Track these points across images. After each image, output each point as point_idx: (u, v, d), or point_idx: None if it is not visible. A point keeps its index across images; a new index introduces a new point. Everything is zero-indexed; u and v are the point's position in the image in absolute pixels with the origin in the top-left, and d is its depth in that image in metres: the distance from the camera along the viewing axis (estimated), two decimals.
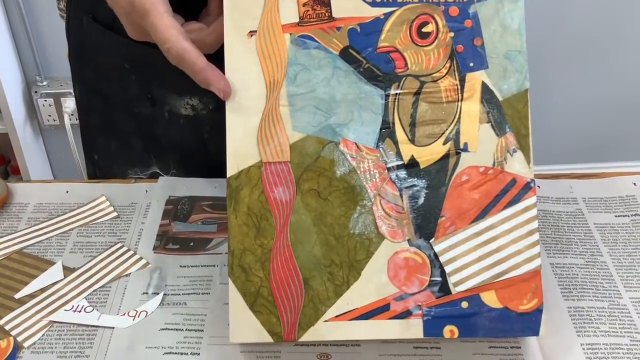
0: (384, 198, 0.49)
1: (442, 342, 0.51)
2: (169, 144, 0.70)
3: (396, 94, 0.49)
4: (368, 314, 0.48)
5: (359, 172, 0.49)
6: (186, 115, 0.67)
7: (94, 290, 0.55)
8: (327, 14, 0.50)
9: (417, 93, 0.50)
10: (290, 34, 0.49)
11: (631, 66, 1.68)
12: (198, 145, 0.69)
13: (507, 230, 0.49)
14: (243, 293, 0.48)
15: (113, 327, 0.52)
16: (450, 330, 0.48)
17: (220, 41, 0.51)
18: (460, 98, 0.50)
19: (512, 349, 0.51)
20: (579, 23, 1.60)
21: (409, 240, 0.49)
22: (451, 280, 0.49)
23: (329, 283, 0.49)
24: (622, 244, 0.59)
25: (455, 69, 0.50)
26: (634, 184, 0.65)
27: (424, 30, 0.50)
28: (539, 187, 0.64)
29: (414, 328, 0.48)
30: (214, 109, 0.66)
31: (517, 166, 0.49)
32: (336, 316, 0.48)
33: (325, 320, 0.48)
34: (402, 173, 0.49)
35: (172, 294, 0.55)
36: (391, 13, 0.50)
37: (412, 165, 0.49)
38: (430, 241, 0.49)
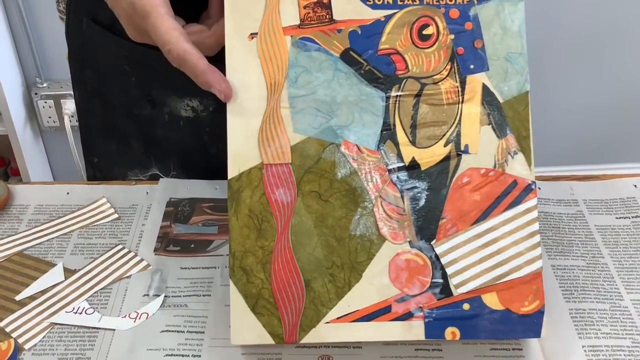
0: (385, 200, 0.49)
1: (444, 344, 0.51)
2: (169, 146, 0.70)
3: (397, 96, 0.50)
4: (369, 316, 0.48)
5: (360, 174, 0.49)
6: (186, 117, 0.67)
7: (94, 292, 0.55)
8: (327, 17, 0.50)
9: (418, 95, 0.50)
10: (291, 36, 0.49)
11: (631, 68, 1.68)
12: (198, 147, 0.69)
13: (509, 232, 0.49)
14: (244, 295, 0.48)
15: (114, 329, 0.52)
16: (451, 332, 0.48)
17: (221, 43, 0.51)
18: (461, 100, 0.50)
19: (514, 350, 0.51)
20: (578, 24, 1.60)
21: (410, 242, 0.49)
22: (452, 282, 0.49)
23: (330, 285, 0.49)
24: (623, 246, 0.59)
25: (456, 71, 0.50)
26: (635, 185, 0.65)
27: (424, 32, 0.50)
28: (539, 189, 0.64)
29: (415, 330, 0.48)
30: (214, 110, 0.66)
31: (518, 168, 0.49)
32: (337, 318, 0.48)
33: (327, 322, 0.48)
34: (403, 175, 0.49)
35: (173, 296, 0.55)
36: (392, 15, 0.50)
37: (413, 167, 0.49)
38: (432, 243, 0.49)
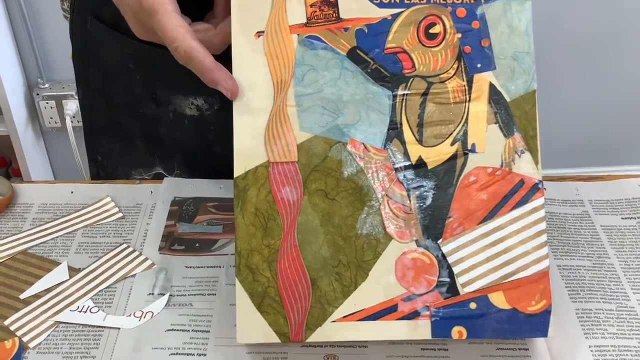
0: (391, 198, 0.49)
1: (450, 344, 0.51)
2: (173, 145, 0.70)
3: (404, 94, 0.49)
4: (376, 315, 0.48)
5: (366, 172, 0.49)
6: (191, 116, 0.67)
7: (99, 291, 0.55)
8: (334, 15, 0.50)
9: (425, 94, 0.50)
10: (298, 34, 0.49)
11: (637, 69, 1.68)
12: (202, 146, 0.69)
13: (515, 231, 0.49)
14: (250, 293, 0.48)
15: (119, 328, 0.52)
16: (458, 331, 0.48)
17: (227, 42, 0.51)
18: (467, 99, 0.50)
19: (520, 350, 0.50)
20: (584, 24, 1.60)
21: (416, 241, 0.49)
22: (459, 281, 0.48)
23: (337, 283, 0.48)
24: (629, 246, 0.59)
25: (463, 70, 0.50)
26: None
27: (431, 31, 0.50)
28: (545, 189, 0.64)
29: (422, 329, 0.48)
30: (219, 109, 0.66)
31: (525, 167, 0.49)
32: (344, 317, 0.48)
33: (333, 321, 0.48)
34: (410, 173, 0.49)
35: (177, 295, 0.55)
36: (398, 14, 0.50)
37: (419, 166, 0.49)
38: (438, 242, 0.49)
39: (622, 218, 0.62)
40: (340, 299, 0.48)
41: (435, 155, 0.49)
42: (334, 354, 0.50)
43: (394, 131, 0.49)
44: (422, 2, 0.50)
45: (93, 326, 0.52)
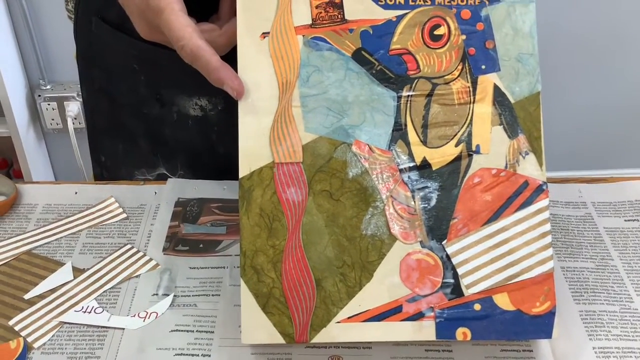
0: (396, 199, 0.49)
1: (454, 345, 0.51)
2: (177, 145, 0.70)
3: (408, 95, 0.50)
4: (380, 316, 0.48)
5: (371, 173, 0.49)
6: (195, 116, 0.67)
7: (103, 291, 0.55)
8: (339, 16, 0.50)
9: (429, 95, 0.50)
10: (303, 35, 0.49)
11: (639, 70, 1.68)
12: (206, 146, 0.69)
13: (520, 232, 0.49)
14: (255, 294, 0.48)
15: (123, 328, 0.52)
16: (462, 333, 0.48)
17: (232, 43, 0.51)
18: (472, 100, 0.50)
19: (524, 352, 0.50)
20: (587, 25, 1.60)
21: (421, 242, 0.49)
22: (464, 282, 0.49)
23: (341, 284, 0.49)
24: (632, 248, 0.59)
25: (467, 71, 0.50)
26: None
27: (436, 32, 0.50)
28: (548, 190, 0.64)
29: (426, 330, 0.48)
30: (223, 109, 0.66)
31: (530, 168, 0.49)
32: (348, 317, 0.48)
33: (338, 322, 0.48)
34: (414, 174, 0.49)
35: (182, 296, 0.55)
36: (403, 15, 0.50)
37: (424, 167, 0.49)
38: (443, 243, 0.49)
39: (625, 220, 0.62)
40: (345, 299, 0.48)
41: (440, 156, 0.49)
42: (339, 354, 0.50)
43: (399, 132, 0.49)
44: (426, 3, 0.50)
45: (97, 326, 0.52)
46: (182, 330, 0.52)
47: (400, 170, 0.49)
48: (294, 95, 0.49)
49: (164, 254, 0.58)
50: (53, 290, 0.55)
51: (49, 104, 1.64)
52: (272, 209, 0.49)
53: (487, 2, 0.50)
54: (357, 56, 0.50)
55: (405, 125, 0.50)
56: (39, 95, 1.63)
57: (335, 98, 0.49)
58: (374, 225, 0.49)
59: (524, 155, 0.50)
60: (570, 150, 1.77)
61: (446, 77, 0.50)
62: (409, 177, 0.49)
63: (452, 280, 0.49)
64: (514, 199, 0.49)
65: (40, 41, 1.58)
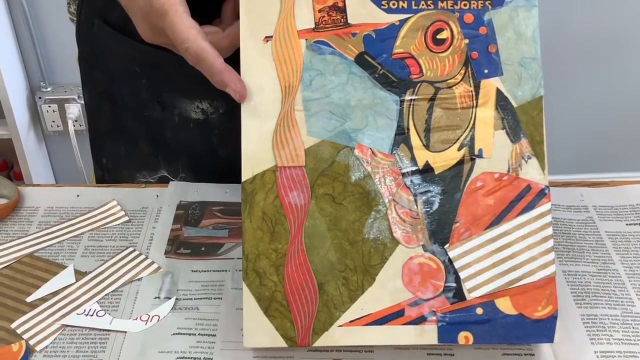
0: (398, 203, 0.49)
1: (456, 349, 0.51)
2: (178, 148, 0.70)
3: (411, 99, 0.50)
4: (382, 320, 0.48)
5: (373, 177, 0.49)
6: (196, 119, 0.67)
7: (105, 295, 0.55)
8: (342, 20, 0.50)
9: (432, 99, 0.50)
10: (306, 39, 0.50)
11: None
12: (207, 150, 0.69)
13: (522, 236, 0.49)
14: (257, 297, 0.48)
15: (125, 332, 0.52)
16: (464, 337, 0.48)
17: (235, 46, 0.51)
18: (475, 104, 0.50)
19: (526, 356, 0.50)
20: (586, 27, 1.60)
21: (423, 246, 0.49)
22: (466, 286, 0.49)
23: (344, 288, 0.49)
24: (634, 252, 0.59)
25: (470, 75, 0.50)
26: None
27: (438, 36, 0.50)
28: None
29: (428, 334, 0.48)
30: (224, 113, 0.66)
31: (532, 173, 0.49)
32: (350, 321, 0.48)
33: (340, 325, 0.48)
34: (417, 178, 0.49)
35: (184, 299, 0.55)
36: (406, 20, 0.50)
37: (426, 171, 0.49)
38: (445, 247, 0.49)
39: (627, 224, 0.62)
40: (347, 303, 0.48)
41: (443, 160, 0.49)
42: (341, 358, 0.50)
43: (401, 136, 0.50)
44: (429, 7, 0.50)
45: (99, 330, 0.52)
46: (184, 334, 0.52)
47: (403, 174, 0.49)
48: (296, 99, 0.49)
49: (166, 257, 0.58)
50: (55, 293, 0.55)
51: (49, 106, 1.64)
52: (275, 213, 0.49)
53: (490, 7, 0.50)
54: (360, 60, 0.50)
55: (408, 129, 0.50)
56: (40, 98, 1.64)
57: (338, 102, 0.49)
58: (376, 229, 0.49)
59: (526, 159, 0.50)
60: (572, 154, 1.77)
61: (449, 81, 0.50)
62: (411, 181, 0.49)
63: (454, 284, 0.49)
64: (516, 203, 0.49)
65: (41, 43, 1.58)
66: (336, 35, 0.50)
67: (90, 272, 0.57)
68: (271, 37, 0.49)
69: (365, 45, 0.50)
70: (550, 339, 0.49)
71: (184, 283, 0.56)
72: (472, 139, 0.50)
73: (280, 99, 0.49)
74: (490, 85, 0.50)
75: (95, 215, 0.62)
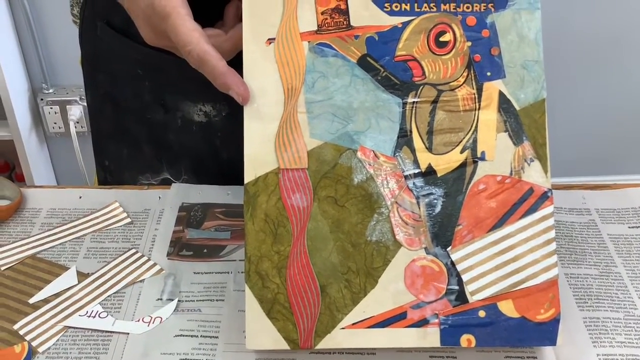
0: (401, 206, 0.49)
1: (458, 352, 0.51)
2: (181, 150, 0.70)
3: (413, 102, 0.50)
4: (385, 322, 0.48)
5: (376, 179, 0.49)
6: (199, 122, 0.67)
7: (108, 296, 0.55)
8: (345, 23, 0.50)
9: (435, 101, 0.50)
10: (309, 41, 0.50)
11: None
12: (210, 152, 0.69)
13: (524, 239, 0.49)
14: (259, 299, 0.48)
15: (128, 333, 0.52)
16: (467, 339, 0.48)
17: (237, 48, 0.51)
18: (477, 107, 0.50)
19: (529, 359, 0.50)
20: (589, 29, 1.60)
21: (425, 248, 0.49)
22: (468, 289, 0.49)
23: (346, 290, 0.49)
24: (636, 255, 0.59)
25: (473, 78, 0.50)
26: None
27: (441, 39, 0.50)
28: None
29: (430, 337, 0.48)
30: (227, 115, 0.66)
31: (535, 175, 0.49)
32: (353, 324, 0.48)
33: (342, 328, 0.48)
34: (419, 181, 0.49)
35: (186, 300, 0.55)
36: (409, 22, 0.50)
37: (429, 173, 0.49)
38: (447, 249, 0.49)
39: (629, 227, 0.62)
40: (350, 305, 0.48)
41: (445, 162, 0.50)
42: None
43: (404, 139, 0.50)
44: (432, 10, 0.50)
45: (102, 331, 0.52)
46: (186, 335, 0.52)
47: (405, 177, 0.49)
48: (299, 101, 0.49)
49: (168, 258, 0.58)
50: (57, 295, 0.55)
51: (51, 108, 1.64)
52: (277, 215, 0.49)
53: (492, 9, 0.50)
54: (363, 62, 0.50)
55: (411, 131, 0.50)
56: (42, 99, 1.64)
57: (340, 104, 0.49)
58: (378, 232, 0.49)
59: (529, 162, 0.50)
60: (574, 156, 1.77)
61: (451, 83, 0.50)
62: (414, 183, 0.49)
63: (456, 287, 0.49)
64: (518, 205, 0.49)
65: (43, 45, 1.59)
66: (339, 37, 0.50)
67: (92, 273, 0.57)
68: (274, 39, 0.49)
69: (368, 48, 0.50)
70: (552, 342, 0.49)
71: (186, 285, 0.56)
72: (475, 141, 0.50)
73: (283, 101, 0.49)
74: (492, 88, 0.50)
75: (97, 217, 0.62)
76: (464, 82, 0.50)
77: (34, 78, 1.63)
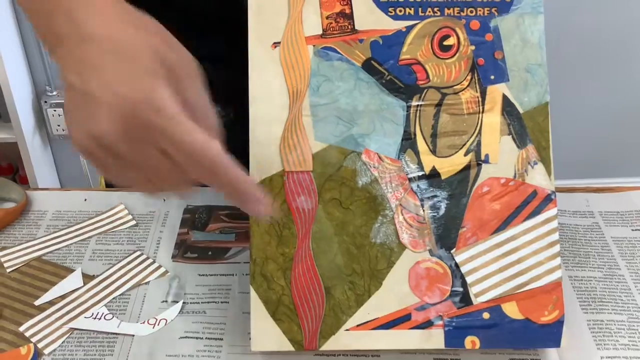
0: (405, 208, 0.50)
1: (462, 354, 0.51)
2: None
3: (418, 105, 0.50)
4: (389, 324, 0.49)
5: (380, 182, 0.50)
6: None
7: (113, 298, 0.55)
8: (350, 27, 0.50)
9: (439, 105, 0.50)
10: (314, 45, 0.50)
11: None
12: None
13: (528, 241, 0.49)
14: (265, 301, 0.49)
15: (133, 335, 0.52)
16: (471, 341, 0.48)
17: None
18: (481, 110, 0.50)
19: None
20: (592, 31, 1.60)
21: (430, 251, 0.49)
22: (472, 290, 0.49)
23: (350, 292, 0.49)
24: None
25: (477, 81, 0.50)
26: None
27: (445, 43, 0.50)
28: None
29: (435, 338, 0.48)
30: (233, 118, 0.67)
31: (538, 178, 0.50)
32: (357, 325, 0.49)
33: (347, 329, 0.49)
34: (424, 183, 0.50)
35: (191, 302, 0.55)
36: (413, 26, 0.50)
37: (433, 176, 0.50)
38: (452, 251, 0.49)
39: (633, 230, 0.62)
40: (354, 307, 0.49)
41: (449, 165, 0.50)
42: None
43: (408, 141, 0.50)
44: (436, 14, 0.50)
45: (107, 333, 0.52)
46: (191, 337, 0.52)
47: (410, 179, 0.50)
48: (304, 105, 0.50)
49: (173, 260, 0.59)
50: (63, 297, 0.55)
51: (55, 110, 1.65)
52: (282, 217, 0.49)
53: (496, 13, 0.50)
54: (367, 66, 0.50)
55: (415, 134, 0.50)
56: (45, 102, 1.64)
57: (345, 107, 0.50)
58: (383, 234, 0.49)
59: (532, 164, 0.50)
60: (578, 159, 1.77)
61: (455, 87, 0.50)
62: (418, 186, 0.50)
63: (460, 289, 0.49)
64: (522, 208, 0.49)
65: None
66: (343, 41, 0.50)
67: (98, 275, 0.57)
68: (279, 43, 0.50)
69: (372, 52, 0.50)
70: (556, 343, 0.49)
71: (191, 287, 0.56)
72: (479, 144, 0.50)
73: (288, 104, 0.50)
74: (496, 91, 0.50)
75: (102, 219, 0.63)
76: (467, 86, 0.50)
77: (38, 81, 1.64)
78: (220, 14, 0.56)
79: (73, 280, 0.56)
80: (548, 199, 0.49)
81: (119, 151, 0.37)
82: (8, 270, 0.57)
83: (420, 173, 0.50)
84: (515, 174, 0.50)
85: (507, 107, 0.50)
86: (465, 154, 0.50)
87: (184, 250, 0.60)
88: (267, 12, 0.50)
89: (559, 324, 0.49)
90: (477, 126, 0.50)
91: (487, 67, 0.50)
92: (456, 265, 0.49)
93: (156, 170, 0.39)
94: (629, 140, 1.78)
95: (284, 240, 0.49)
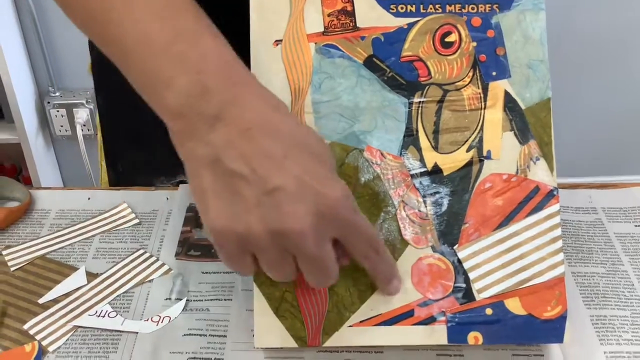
0: (407, 205, 0.50)
1: (465, 349, 0.51)
2: None
3: (420, 102, 0.50)
4: (392, 320, 0.49)
5: (383, 178, 0.50)
6: None
7: (117, 296, 0.55)
8: (351, 24, 0.50)
9: (441, 101, 0.50)
10: (315, 43, 0.50)
11: None
12: None
13: (531, 237, 0.49)
14: (268, 298, 0.49)
15: (137, 332, 0.52)
16: (474, 337, 0.48)
17: None
18: (483, 106, 0.50)
19: (536, 356, 0.51)
20: (595, 27, 1.60)
21: (432, 247, 0.49)
22: (475, 286, 0.49)
23: (353, 288, 0.49)
24: None
25: (478, 77, 0.50)
26: None
27: (447, 39, 0.50)
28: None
29: (438, 334, 0.49)
30: None
31: (540, 174, 0.50)
32: (360, 321, 0.49)
33: (350, 326, 0.49)
34: (426, 180, 0.50)
35: (194, 300, 0.55)
36: (414, 23, 0.50)
37: (435, 172, 0.50)
38: (454, 247, 0.49)
39: (636, 225, 0.62)
40: (357, 303, 0.49)
41: (451, 161, 0.50)
42: (351, 359, 0.51)
43: (410, 138, 0.50)
44: (437, 11, 0.50)
45: (111, 330, 0.53)
46: (194, 334, 0.52)
47: (412, 176, 0.50)
48: (306, 102, 0.50)
49: (177, 258, 0.59)
50: (67, 295, 0.55)
51: (58, 111, 1.65)
52: None
53: (497, 10, 0.50)
54: (369, 63, 0.50)
55: (417, 131, 0.50)
56: (48, 102, 1.65)
57: (347, 104, 0.50)
58: (386, 230, 0.49)
59: (534, 160, 0.50)
60: (580, 156, 1.77)
61: (457, 83, 0.50)
62: (420, 182, 0.50)
63: (463, 285, 0.49)
64: (524, 204, 0.49)
65: (50, 48, 1.60)
66: (345, 38, 0.50)
67: (101, 273, 0.57)
68: (281, 40, 0.50)
69: (374, 49, 0.50)
70: (559, 339, 0.49)
71: (194, 284, 0.56)
72: (481, 140, 0.50)
73: (290, 101, 0.50)
74: (498, 88, 0.50)
75: (106, 218, 0.63)
76: (469, 82, 0.50)
77: (41, 81, 1.64)
78: (221, 12, 0.56)
79: (77, 279, 0.57)
80: (550, 195, 0.50)
81: (264, 252, 0.38)
82: (12, 268, 0.58)
83: (423, 169, 0.50)
84: (517, 170, 0.50)
85: (509, 103, 0.50)
86: (468, 150, 0.50)
87: (187, 248, 0.60)
88: (268, 10, 0.50)
89: (561, 319, 0.49)
90: (479, 122, 0.50)
91: (489, 63, 0.50)
92: (459, 261, 0.49)
93: (282, 270, 0.41)
94: (631, 139, 1.78)
95: None
